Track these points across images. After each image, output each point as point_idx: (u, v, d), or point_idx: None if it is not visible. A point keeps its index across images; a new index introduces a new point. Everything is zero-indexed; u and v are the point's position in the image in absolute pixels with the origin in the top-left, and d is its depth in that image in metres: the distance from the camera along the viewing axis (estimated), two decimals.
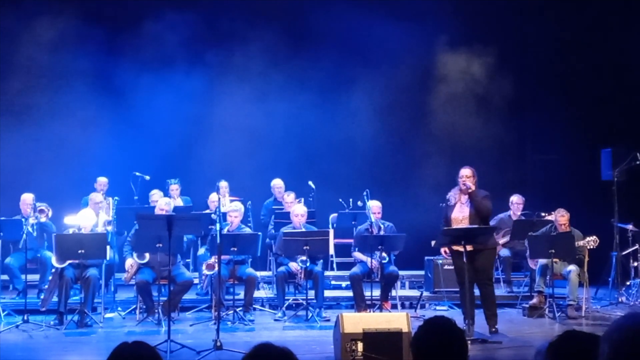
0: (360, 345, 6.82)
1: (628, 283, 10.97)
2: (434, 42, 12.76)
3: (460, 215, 8.58)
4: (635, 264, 10.86)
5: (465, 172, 8.66)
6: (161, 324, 8.89)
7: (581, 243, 9.80)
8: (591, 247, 9.83)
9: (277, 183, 11.87)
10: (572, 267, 9.84)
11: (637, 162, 11.27)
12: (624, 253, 11.16)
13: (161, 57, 12.20)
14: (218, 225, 8.51)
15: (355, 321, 6.98)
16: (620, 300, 10.70)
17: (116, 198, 10.53)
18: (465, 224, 8.47)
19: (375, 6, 12.41)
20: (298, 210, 10.07)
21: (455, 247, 8.47)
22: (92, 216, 9.56)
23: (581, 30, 12.54)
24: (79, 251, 8.80)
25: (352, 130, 12.76)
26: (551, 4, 12.71)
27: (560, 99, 12.99)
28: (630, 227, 11.03)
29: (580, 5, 12.56)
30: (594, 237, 9.82)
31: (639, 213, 11.53)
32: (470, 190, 8.53)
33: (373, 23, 12.36)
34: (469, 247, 8.28)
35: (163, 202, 9.65)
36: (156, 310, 9.17)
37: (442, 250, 9.07)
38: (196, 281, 10.29)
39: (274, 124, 12.60)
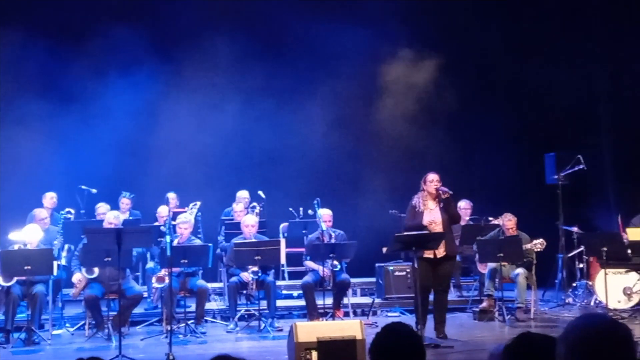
0: (314, 354, 6.80)
1: (574, 284, 11.18)
2: (382, 52, 12.83)
3: (432, 221, 8.55)
4: (581, 265, 11.09)
5: (435, 176, 8.61)
6: (111, 339, 8.74)
7: (529, 246, 9.96)
8: (538, 249, 10.00)
9: (242, 195, 11.77)
10: (520, 270, 10.00)
11: (580, 166, 11.51)
12: (569, 255, 11.37)
13: (109, 70, 12.04)
14: (168, 238, 8.45)
15: (309, 330, 6.97)
16: (567, 301, 10.89)
17: (69, 209, 10.35)
18: (438, 229, 8.50)
19: (327, 17, 12.39)
20: (248, 220, 10.00)
21: (425, 254, 8.45)
22: (37, 232, 9.37)
23: (524, 38, 12.77)
24: (25, 267, 8.61)
25: (301, 139, 12.75)
26: (495, 13, 12.90)
27: (505, 106, 13.20)
28: (575, 229, 11.25)
29: (522, 13, 12.80)
30: (541, 240, 9.99)
31: (583, 215, 11.80)
32: (446, 195, 8.53)
33: (324, 34, 12.36)
34: (441, 254, 8.39)
35: (111, 216, 9.49)
36: (106, 326, 9.01)
37: None
38: (146, 294, 10.16)
39: (223, 135, 12.49)
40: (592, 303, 10.61)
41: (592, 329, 2.31)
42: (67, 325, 9.66)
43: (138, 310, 9.78)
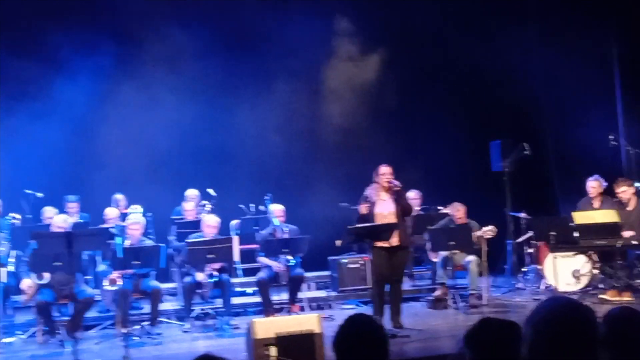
0: (273, 350, 6.82)
1: (524, 269, 11.38)
2: (327, 47, 12.82)
3: (386, 210, 8.66)
4: (530, 250, 11.29)
5: (387, 169, 8.75)
6: (65, 344, 8.59)
7: (479, 233, 10.10)
8: (489, 236, 10.14)
9: (192, 193, 11.67)
10: (472, 258, 10.14)
11: (525, 152, 11.73)
12: (518, 241, 11.58)
13: (52, 68, 11.76)
14: (119, 239, 8.35)
15: (267, 326, 6.98)
16: (517, 286, 11.09)
17: (14, 215, 10.16)
18: (390, 220, 8.58)
19: (281, 14, 12.38)
20: (210, 221, 9.89)
21: (379, 244, 8.54)
22: None
23: (469, 28, 12.90)
24: None
25: (250, 135, 12.69)
26: (438, 3, 13.02)
27: (449, 95, 13.33)
28: (522, 215, 11.46)
29: (464, 3, 12.94)
30: (492, 227, 10.14)
31: (530, 201, 12.01)
32: (398, 188, 8.64)
33: (275, 31, 12.33)
34: (395, 242, 8.48)
35: (60, 219, 9.32)
36: (58, 331, 8.86)
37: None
38: (98, 298, 10.02)
39: (170, 132, 12.36)
40: (542, 287, 10.82)
41: (557, 310, 2.38)
42: (19, 332, 9.46)
43: (91, 314, 9.62)
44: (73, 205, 11.17)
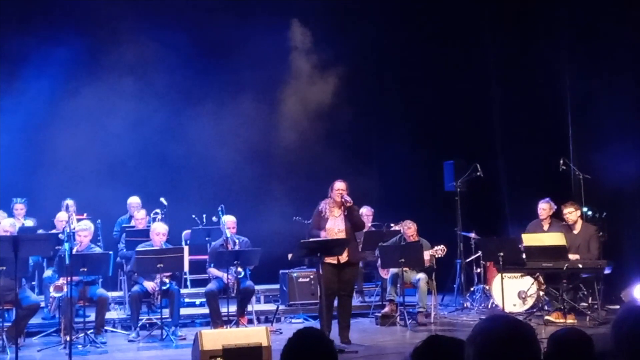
0: None
1: (472, 289, 11.51)
2: (283, 61, 12.83)
3: (336, 227, 8.67)
4: (478, 270, 11.42)
5: (342, 185, 8.74)
6: (6, 351, 8.40)
7: (429, 252, 10.18)
8: (439, 255, 10.24)
9: (134, 201, 11.55)
10: (421, 276, 10.22)
11: (477, 173, 11.88)
12: (467, 260, 11.70)
13: (8, 65, 11.55)
14: (67, 245, 8.22)
15: (215, 338, 6.94)
16: (465, 305, 11.21)
17: None
18: (342, 236, 8.59)
19: (243, 24, 12.37)
20: (159, 228, 9.80)
21: (328, 259, 8.52)
22: None
23: (425, 50, 13.05)
24: None
25: (204, 145, 12.60)
26: (394, 23, 13.15)
27: (405, 115, 13.45)
28: (472, 235, 11.59)
29: (421, 22, 13.09)
30: (442, 246, 10.24)
31: (480, 221, 12.16)
32: (349, 204, 8.66)
33: (236, 40, 12.31)
34: (344, 259, 8.48)
35: (7, 223, 9.17)
36: (0, 337, 8.67)
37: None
38: (43, 304, 9.84)
39: (122, 140, 12.21)
40: (489, 307, 10.95)
41: (499, 330, 2.40)
42: None
43: (35, 320, 9.44)
44: (21, 207, 10.97)
